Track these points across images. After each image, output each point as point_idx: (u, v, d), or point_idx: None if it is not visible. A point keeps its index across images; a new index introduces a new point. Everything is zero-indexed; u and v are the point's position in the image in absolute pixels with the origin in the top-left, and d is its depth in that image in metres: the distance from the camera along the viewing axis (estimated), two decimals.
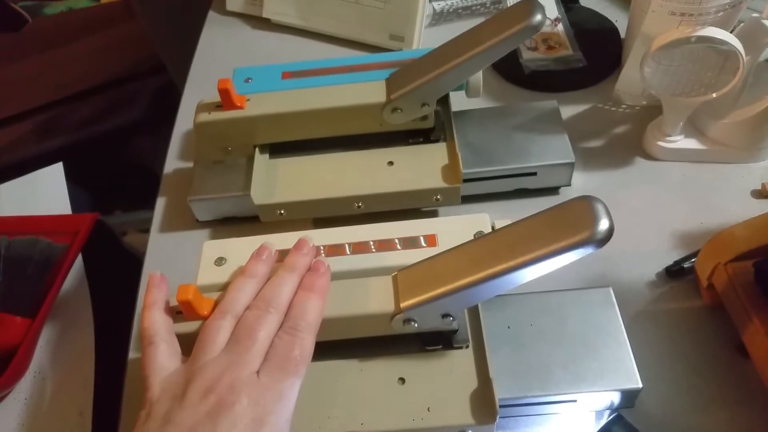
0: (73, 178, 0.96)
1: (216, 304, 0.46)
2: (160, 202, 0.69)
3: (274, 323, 0.43)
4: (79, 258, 0.77)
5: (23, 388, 0.66)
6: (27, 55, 1.51)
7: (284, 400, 0.40)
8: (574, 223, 0.40)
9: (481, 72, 0.63)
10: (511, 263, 0.41)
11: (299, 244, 0.49)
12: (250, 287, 0.45)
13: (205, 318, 0.46)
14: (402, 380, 0.48)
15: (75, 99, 1.47)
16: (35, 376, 0.67)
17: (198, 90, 0.81)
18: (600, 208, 0.39)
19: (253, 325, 0.42)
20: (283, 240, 0.52)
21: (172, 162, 0.73)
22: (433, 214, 0.65)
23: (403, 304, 0.45)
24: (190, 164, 0.66)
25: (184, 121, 0.77)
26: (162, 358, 0.42)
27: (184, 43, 0.92)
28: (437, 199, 0.61)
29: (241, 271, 0.47)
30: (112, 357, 0.65)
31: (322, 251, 0.52)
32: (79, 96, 1.48)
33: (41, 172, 0.93)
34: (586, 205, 0.40)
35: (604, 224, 0.39)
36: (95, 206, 1.10)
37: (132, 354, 0.58)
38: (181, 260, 0.62)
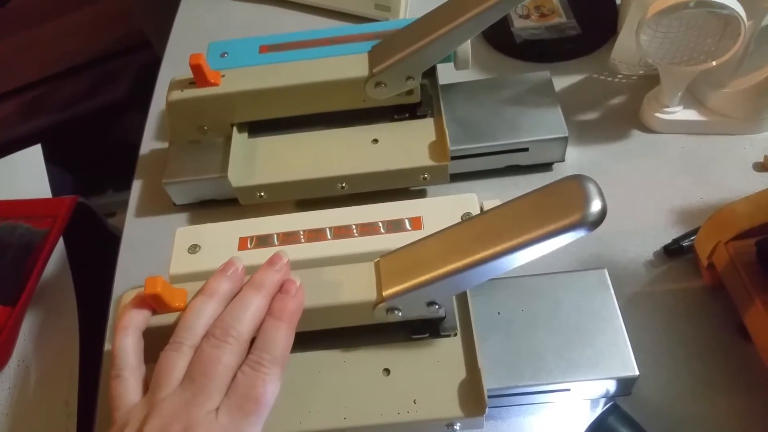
0: (57, 160, 0.93)
1: (188, 294, 0.44)
2: (136, 185, 0.67)
3: (234, 355, 0.39)
4: (61, 242, 0.75)
5: (6, 377, 0.65)
6: (9, 33, 1.48)
7: None
8: (565, 205, 0.37)
9: (469, 42, 0.60)
10: (498, 249, 0.39)
11: (272, 259, 0.44)
12: (208, 309, 0.41)
13: (177, 310, 0.44)
14: (387, 371, 0.46)
15: (59, 77, 1.45)
16: (19, 365, 0.66)
17: (176, 66, 0.78)
18: (591, 188, 0.37)
19: (209, 359, 0.38)
20: (264, 225, 0.50)
21: (149, 143, 0.71)
22: (422, 193, 0.63)
23: (385, 293, 0.43)
24: (167, 145, 0.63)
25: (161, 99, 0.74)
26: (128, 393, 0.39)
27: (169, 18, 0.89)
28: (425, 178, 0.59)
29: (200, 290, 0.43)
30: (96, 344, 0.64)
31: (302, 235, 0.49)
32: (63, 74, 1.45)
33: (19, 154, 0.90)
34: (576, 185, 0.37)
35: (596, 205, 0.36)
36: (83, 187, 1.07)
37: (108, 346, 0.56)
38: (159, 246, 0.59)
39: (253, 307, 0.41)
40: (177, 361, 0.39)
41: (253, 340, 0.40)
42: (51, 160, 0.90)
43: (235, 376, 0.38)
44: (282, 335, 0.40)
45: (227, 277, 0.43)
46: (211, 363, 0.38)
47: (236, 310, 0.41)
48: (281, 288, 0.43)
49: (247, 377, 0.38)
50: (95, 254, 0.80)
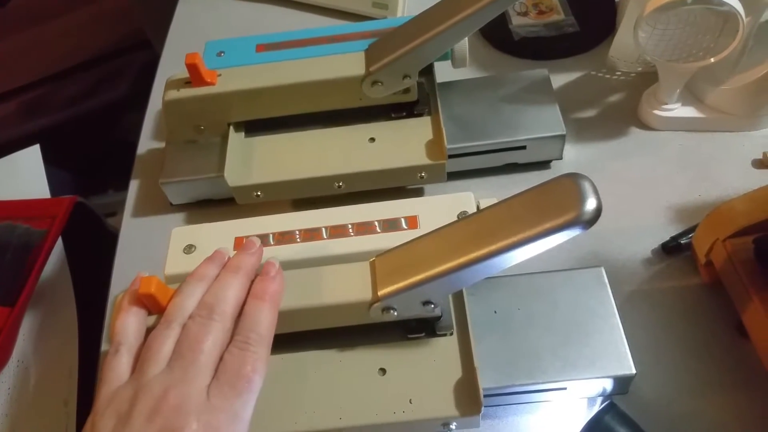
0: (58, 160, 0.93)
1: None
2: (134, 185, 0.67)
3: (219, 332, 0.39)
4: (60, 242, 0.75)
5: (6, 378, 0.65)
6: (10, 33, 1.47)
7: (238, 420, 0.37)
8: (560, 203, 0.37)
9: (466, 40, 0.60)
10: (493, 248, 0.38)
11: (246, 245, 0.45)
12: (198, 291, 0.41)
13: None
14: (383, 371, 0.46)
15: (59, 77, 1.44)
16: (18, 365, 0.66)
17: (174, 65, 0.78)
18: (587, 186, 0.37)
19: (197, 335, 0.38)
20: (259, 224, 0.50)
21: (146, 142, 0.70)
22: (419, 191, 0.62)
23: (380, 292, 0.42)
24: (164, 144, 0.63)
25: (159, 98, 0.73)
26: (121, 369, 0.39)
27: (169, 16, 0.89)
28: (422, 177, 0.58)
29: (189, 275, 0.43)
30: (96, 344, 0.64)
31: (297, 235, 0.49)
32: (64, 74, 1.45)
33: (18, 154, 0.90)
34: (571, 184, 0.37)
35: (591, 204, 0.36)
36: (84, 187, 1.07)
37: (104, 346, 0.56)
38: (156, 246, 0.59)
39: (234, 287, 0.41)
40: (166, 339, 0.39)
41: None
42: (51, 160, 0.90)
43: (222, 358, 0.38)
44: (265, 315, 0.40)
45: (214, 264, 0.44)
46: (198, 339, 0.38)
47: (217, 290, 0.41)
48: (262, 270, 0.43)
49: (235, 357, 0.38)
50: (94, 254, 0.80)
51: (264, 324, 0.40)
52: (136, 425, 0.35)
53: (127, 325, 0.41)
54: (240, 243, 0.49)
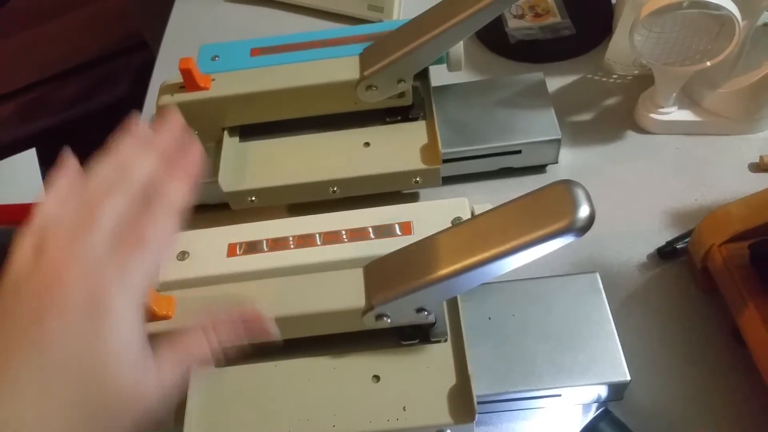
0: (56, 162, 0.93)
1: (175, 302, 0.44)
2: None
3: (120, 197, 0.35)
4: None
5: None
6: (9, 34, 1.47)
7: (126, 278, 0.33)
8: (553, 211, 0.37)
9: (462, 44, 0.59)
10: (486, 255, 0.38)
11: (165, 120, 0.41)
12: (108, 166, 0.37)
13: (165, 318, 0.44)
14: (377, 378, 0.46)
15: (57, 79, 1.44)
16: None
17: (170, 68, 0.77)
18: (580, 193, 0.37)
19: (99, 194, 0.35)
20: (253, 230, 0.50)
21: None
22: (414, 196, 0.62)
23: (374, 299, 0.42)
24: None
25: (154, 102, 0.73)
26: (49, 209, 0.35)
27: (166, 18, 0.89)
28: (417, 182, 0.58)
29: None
30: None
31: (291, 241, 0.49)
32: (61, 76, 1.44)
33: (15, 158, 0.90)
34: (564, 191, 0.37)
35: (584, 211, 0.36)
36: None
37: None
38: None
39: (149, 160, 0.37)
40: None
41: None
42: (49, 162, 0.90)
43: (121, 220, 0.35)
44: (177, 185, 0.37)
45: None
46: (99, 197, 0.35)
47: (126, 158, 0.37)
48: (182, 147, 0.39)
49: (134, 218, 0.35)
50: None
51: (174, 193, 0.37)
52: (18, 266, 0.33)
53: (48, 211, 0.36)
54: (233, 250, 0.48)
